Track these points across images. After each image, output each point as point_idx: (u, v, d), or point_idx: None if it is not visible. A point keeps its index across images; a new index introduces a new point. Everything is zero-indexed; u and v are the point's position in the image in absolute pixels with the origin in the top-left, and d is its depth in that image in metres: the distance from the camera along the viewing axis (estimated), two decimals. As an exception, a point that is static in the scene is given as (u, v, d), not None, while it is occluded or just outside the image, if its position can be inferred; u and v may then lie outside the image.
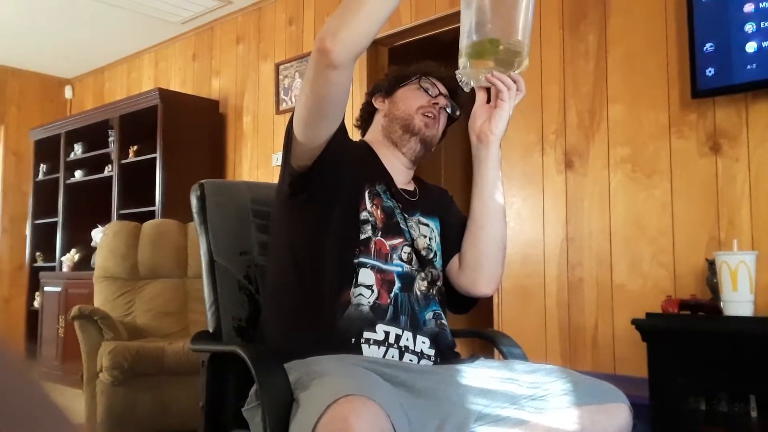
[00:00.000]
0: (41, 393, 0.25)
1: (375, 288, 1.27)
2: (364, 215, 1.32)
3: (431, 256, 1.41)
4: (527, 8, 1.25)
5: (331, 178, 1.29)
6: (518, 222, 2.93)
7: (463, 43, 1.26)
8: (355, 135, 1.45)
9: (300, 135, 1.25)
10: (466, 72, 1.28)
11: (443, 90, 1.48)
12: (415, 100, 1.45)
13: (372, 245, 1.30)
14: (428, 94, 1.45)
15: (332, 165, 1.28)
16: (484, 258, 1.41)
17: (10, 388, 0.24)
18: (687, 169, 2.49)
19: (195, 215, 1.51)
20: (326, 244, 1.30)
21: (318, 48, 1.15)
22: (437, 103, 1.45)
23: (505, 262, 1.45)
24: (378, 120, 1.51)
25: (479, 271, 1.41)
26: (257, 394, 1.16)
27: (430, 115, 1.44)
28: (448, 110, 1.48)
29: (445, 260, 1.46)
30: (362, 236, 1.30)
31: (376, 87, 1.56)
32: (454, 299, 1.47)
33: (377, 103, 1.52)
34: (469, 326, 1.72)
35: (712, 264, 2.19)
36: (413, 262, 1.35)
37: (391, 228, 1.34)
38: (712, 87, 2.37)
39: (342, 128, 1.29)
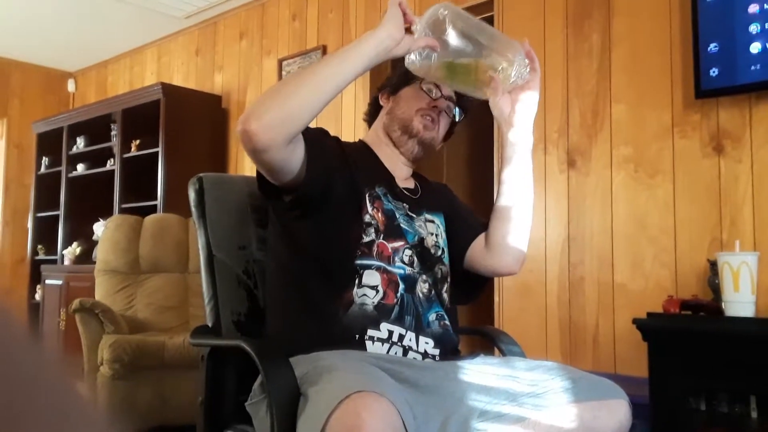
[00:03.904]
0: (69, 385, 0.25)
1: (381, 288, 1.27)
2: (366, 218, 1.31)
3: (439, 253, 1.41)
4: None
5: (326, 190, 1.28)
6: (520, 220, 2.93)
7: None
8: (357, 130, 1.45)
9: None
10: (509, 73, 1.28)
11: (447, 92, 1.47)
12: (416, 101, 1.44)
13: (375, 248, 1.30)
14: (430, 96, 1.45)
15: (325, 181, 1.27)
16: (511, 237, 1.42)
17: (38, 380, 0.24)
18: (690, 169, 2.49)
19: (193, 209, 1.51)
20: (328, 248, 1.30)
21: (240, 130, 1.09)
22: (437, 106, 1.45)
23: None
24: (380, 117, 1.51)
25: (507, 250, 1.42)
26: (262, 388, 1.16)
27: (428, 117, 1.44)
28: (449, 113, 1.48)
29: (459, 251, 1.47)
30: (366, 239, 1.30)
31: (384, 84, 1.55)
32: (465, 288, 1.49)
33: (382, 100, 1.52)
34: (469, 324, 1.71)
35: (713, 264, 2.19)
36: (414, 265, 1.34)
37: (392, 231, 1.34)
38: (715, 87, 2.37)
39: (320, 152, 1.26)
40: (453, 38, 1.23)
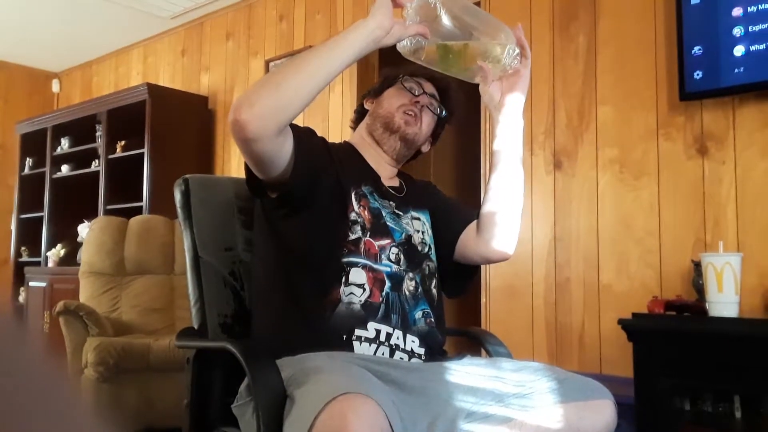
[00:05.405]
0: (59, 379, 0.25)
1: (367, 287, 1.27)
2: (353, 216, 1.32)
3: (426, 250, 1.42)
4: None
5: (312, 188, 1.29)
6: (506, 221, 2.94)
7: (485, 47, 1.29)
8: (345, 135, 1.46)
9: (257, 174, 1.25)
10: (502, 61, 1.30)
11: (429, 89, 1.49)
12: (397, 99, 1.47)
13: (362, 245, 1.30)
14: (411, 93, 1.46)
15: (310, 178, 1.28)
16: (503, 221, 1.42)
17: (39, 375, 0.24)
18: (674, 170, 2.51)
19: (179, 210, 1.50)
20: (314, 245, 1.30)
21: (231, 119, 1.09)
22: (419, 102, 1.47)
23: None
24: (364, 119, 1.53)
25: (500, 235, 1.42)
26: (248, 391, 1.15)
27: (410, 113, 1.46)
28: (433, 110, 1.49)
29: (449, 243, 1.48)
30: (352, 237, 1.30)
31: (368, 90, 1.58)
32: (454, 281, 1.50)
33: (368, 104, 1.54)
34: (456, 325, 1.72)
35: (698, 265, 2.21)
36: (401, 263, 1.34)
37: (378, 229, 1.34)
38: (699, 90, 2.39)
39: (307, 149, 1.26)
40: (444, 22, 1.23)
